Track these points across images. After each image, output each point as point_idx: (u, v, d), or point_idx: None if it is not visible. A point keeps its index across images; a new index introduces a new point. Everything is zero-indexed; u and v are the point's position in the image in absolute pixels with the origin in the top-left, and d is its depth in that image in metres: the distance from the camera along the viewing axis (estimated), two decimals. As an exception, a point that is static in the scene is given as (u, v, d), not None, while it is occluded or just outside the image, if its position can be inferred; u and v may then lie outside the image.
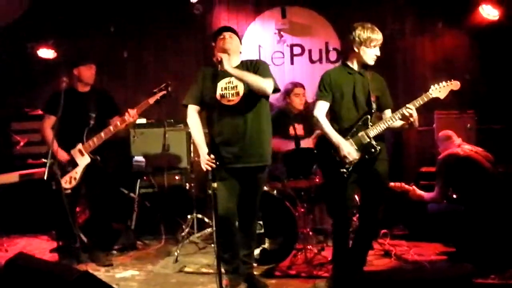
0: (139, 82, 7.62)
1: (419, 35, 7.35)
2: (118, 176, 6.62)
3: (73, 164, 5.34)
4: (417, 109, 4.23)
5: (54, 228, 5.79)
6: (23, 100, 7.59)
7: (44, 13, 7.43)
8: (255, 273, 4.72)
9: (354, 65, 4.43)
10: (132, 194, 6.54)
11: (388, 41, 4.42)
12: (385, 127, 4.31)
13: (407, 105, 4.23)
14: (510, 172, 5.83)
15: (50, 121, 5.41)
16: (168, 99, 5.28)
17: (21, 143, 7.11)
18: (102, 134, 5.31)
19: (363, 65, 4.42)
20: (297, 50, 7.69)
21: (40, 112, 6.14)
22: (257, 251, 5.01)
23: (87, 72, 5.51)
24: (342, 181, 4.30)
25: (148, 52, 7.84)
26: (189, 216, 6.12)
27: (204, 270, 5.24)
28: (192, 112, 4.45)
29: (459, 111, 6.53)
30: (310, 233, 5.48)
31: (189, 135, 6.41)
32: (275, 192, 5.39)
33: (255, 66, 4.43)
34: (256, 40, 7.69)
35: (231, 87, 4.34)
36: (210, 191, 4.04)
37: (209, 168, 4.09)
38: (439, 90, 4.33)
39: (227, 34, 4.40)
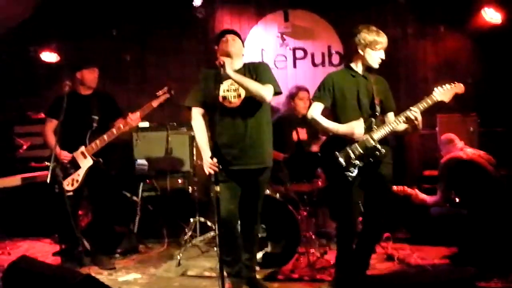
0: (141, 86, 7.61)
1: (421, 39, 7.35)
2: (121, 180, 6.63)
3: (75, 166, 5.35)
4: (420, 112, 4.23)
5: (56, 232, 5.79)
6: (26, 104, 7.62)
7: (47, 17, 7.44)
8: (257, 276, 4.71)
9: (358, 68, 4.42)
10: (134, 198, 6.55)
11: (390, 44, 4.40)
12: (389, 130, 4.29)
13: (412, 108, 4.23)
14: (513, 175, 5.82)
15: (52, 124, 5.43)
16: (171, 102, 5.29)
17: (24, 147, 7.12)
18: (105, 136, 5.32)
19: (367, 68, 4.41)
20: (299, 53, 7.68)
21: (43, 115, 6.15)
22: (259, 255, 5.01)
23: (90, 76, 5.52)
24: (347, 185, 4.28)
25: (151, 55, 7.85)
26: (191, 220, 6.11)
27: (206, 273, 5.23)
28: (197, 115, 4.46)
29: (462, 114, 6.51)
30: (313, 236, 5.46)
31: (192, 139, 6.41)
32: (277, 195, 5.38)
33: (256, 69, 4.43)
34: (258, 43, 7.69)
35: (233, 89, 4.34)
36: (212, 195, 4.03)
37: (212, 172, 4.08)
38: (444, 93, 4.31)
39: (230, 37, 4.40)
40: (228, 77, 4.25)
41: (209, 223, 6.16)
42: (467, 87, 4.44)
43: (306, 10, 7.59)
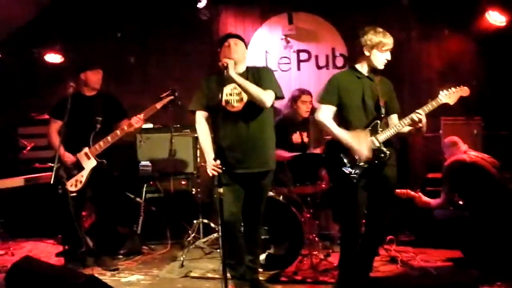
0: (144, 87, 7.60)
1: (425, 41, 7.34)
2: (124, 181, 6.63)
3: (79, 167, 5.37)
4: (425, 115, 4.23)
5: (60, 232, 5.79)
6: (30, 105, 7.63)
7: (51, 19, 7.45)
8: (260, 278, 4.71)
9: (363, 69, 4.40)
10: (138, 199, 6.56)
11: (394, 46, 4.40)
12: (394, 132, 4.29)
13: (417, 111, 4.22)
14: (517, 178, 5.81)
15: (56, 125, 5.45)
16: (175, 104, 5.29)
17: (28, 148, 7.14)
18: (109, 138, 5.34)
19: (372, 69, 4.39)
20: (303, 55, 7.68)
21: (46, 116, 6.17)
22: (262, 257, 4.99)
23: (94, 77, 5.54)
24: (352, 186, 4.26)
25: (154, 57, 7.86)
26: (195, 221, 6.13)
27: (209, 275, 5.23)
28: (201, 119, 4.46)
29: (466, 117, 6.51)
30: (316, 238, 5.46)
31: (195, 140, 6.41)
32: (281, 197, 5.37)
33: (259, 74, 4.44)
34: (262, 45, 7.70)
35: (236, 93, 4.35)
36: (216, 197, 4.04)
37: (215, 174, 4.08)
38: (449, 96, 4.33)
39: (232, 41, 4.40)
40: (231, 81, 4.25)
41: (212, 225, 6.16)
42: (471, 90, 4.44)
43: (310, 13, 7.59)
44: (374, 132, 4.28)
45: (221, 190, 3.99)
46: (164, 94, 5.28)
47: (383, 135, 4.28)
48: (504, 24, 6.65)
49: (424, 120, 4.20)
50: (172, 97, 5.26)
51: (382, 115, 4.34)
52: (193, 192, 6.63)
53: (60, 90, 5.87)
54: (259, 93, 4.23)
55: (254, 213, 4.52)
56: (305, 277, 4.98)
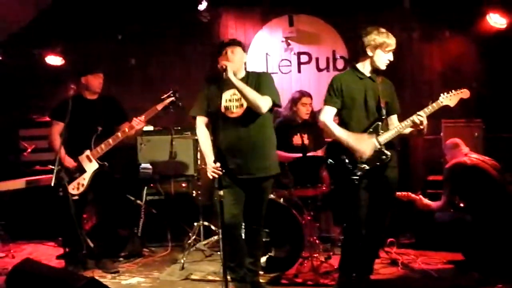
0: (145, 90, 7.60)
1: (426, 43, 7.34)
2: (125, 183, 6.63)
3: (80, 170, 5.36)
4: (426, 117, 4.24)
5: (60, 235, 5.79)
6: (31, 107, 7.63)
7: (51, 20, 7.46)
8: (261, 281, 4.71)
9: (365, 70, 4.40)
10: (139, 202, 6.54)
11: (395, 48, 4.41)
12: (396, 134, 4.30)
13: (418, 113, 4.23)
14: (518, 181, 5.80)
15: (58, 127, 5.44)
16: (176, 105, 5.29)
17: (29, 150, 7.15)
18: (110, 140, 5.33)
19: (374, 70, 4.39)
20: (304, 58, 7.68)
21: (47, 118, 6.17)
22: (263, 259, 4.98)
23: (95, 81, 5.54)
24: (354, 188, 4.26)
25: (155, 59, 7.87)
26: (195, 224, 6.11)
27: (210, 277, 5.23)
28: (201, 124, 4.48)
29: (467, 119, 6.50)
30: (317, 241, 5.45)
31: (196, 143, 6.40)
32: (281, 200, 5.38)
33: (259, 80, 4.43)
34: (263, 48, 7.70)
35: (235, 99, 4.36)
36: (216, 199, 4.04)
37: (216, 176, 4.09)
38: (450, 98, 4.34)
39: (229, 50, 4.39)
40: (231, 86, 4.26)
41: (213, 227, 6.16)
42: (472, 92, 4.44)
43: (311, 15, 7.59)
44: (375, 133, 4.29)
45: (221, 192, 4.00)
46: (165, 95, 5.28)
47: (384, 137, 4.29)
48: (504, 26, 6.64)
49: (425, 122, 4.21)
50: (173, 98, 5.25)
51: (383, 117, 4.34)
52: (194, 195, 6.60)
53: (61, 92, 5.90)
54: (255, 98, 4.22)
55: (255, 216, 4.53)
56: (305, 279, 4.99)
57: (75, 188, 5.33)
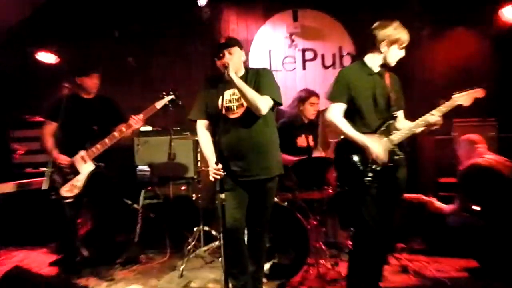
0: (145, 89, 7.60)
1: (437, 40, 7.30)
2: (122, 186, 6.59)
3: (74, 172, 5.31)
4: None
5: (53, 241, 5.76)
6: (23, 107, 7.58)
7: (46, 17, 7.44)
8: (265, 289, 4.68)
9: (374, 65, 4.36)
10: (136, 205, 6.52)
11: (406, 47, 4.37)
12: (409, 134, 4.27)
13: (432, 112, 4.22)
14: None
15: (51, 127, 5.40)
16: (176, 104, 5.25)
17: (20, 152, 7.11)
18: (107, 140, 5.30)
19: (382, 66, 4.36)
20: (309, 55, 7.67)
21: (40, 119, 6.13)
22: (267, 266, 4.95)
23: (90, 82, 5.55)
24: (364, 190, 4.22)
25: (154, 57, 7.87)
26: (195, 229, 6.09)
27: (210, 285, 5.21)
28: (201, 127, 4.47)
29: (480, 119, 6.49)
30: (323, 247, 5.44)
31: (195, 144, 6.38)
32: (285, 203, 5.34)
33: (258, 77, 4.39)
34: (266, 44, 7.69)
35: (235, 99, 4.32)
36: (217, 203, 4.00)
37: (218, 177, 4.04)
38: (464, 97, 4.32)
39: (226, 52, 4.33)
40: (230, 86, 4.23)
41: (213, 233, 6.13)
42: (485, 90, 4.42)
43: (316, 10, 7.59)
44: (387, 132, 4.26)
45: (223, 195, 3.97)
46: (164, 93, 5.24)
47: (397, 136, 4.26)
48: (519, 21, 6.62)
49: (439, 122, 4.23)
50: (172, 96, 5.21)
51: (395, 115, 4.29)
52: (194, 198, 6.57)
53: (55, 92, 5.84)
54: (255, 99, 4.17)
55: (258, 220, 4.47)
56: (311, 287, 4.97)
57: (69, 190, 5.26)
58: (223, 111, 4.24)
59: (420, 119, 4.26)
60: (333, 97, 4.34)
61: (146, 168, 6.65)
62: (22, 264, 5.40)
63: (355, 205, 4.34)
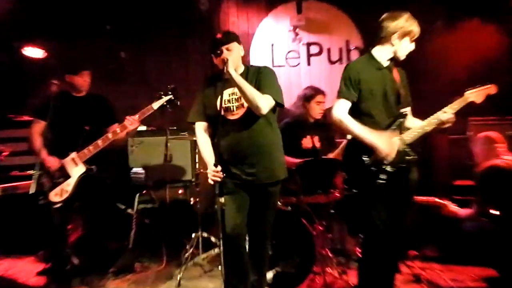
0: (141, 88, 7.58)
1: (452, 33, 7.28)
2: (115, 190, 6.57)
3: (64, 175, 5.29)
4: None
5: (41, 248, 5.74)
6: (8, 105, 7.56)
7: (35, 10, 7.43)
8: (267, 299, 4.66)
9: (383, 59, 4.34)
10: (130, 210, 6.53)
11: (417, 39, 4.34)
12: (421, 133, 4.26)
13: (444, 110, 4.23)
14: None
15: (40, 126, 5.39)
16: (174, 104, 5.22)
17: (5, 153, 7.08)
18: (99, 141, 5.27)
19: (391, 59, 4.35)
20: (314, 49, 7.69)
21: (26, 118, 6.12)
22: (269, 275, 4.93)
23: (80, 80, 5.54)
24: (377, 193, 4.20)
25: (151, 55, 7.85)
26: (193, 235, 6.09)
27: (209, 295, 5.19)
28: (200, 130, 4.46)
29: (497, 117, 6.48)
30: (330, 254, 5.41)
31: (194, 144, 6.38)
32: (289, 208, 5.33)
33: (259, 76, 4.37)
34: (268, 38, 7.70)
35: (234, 98, 4.30)
36: (216, 207, 3.98)
37: (217, 180, 4.02)
38: (476, 94, 4.32)
39: (224, 49, 4.30)
40: (229, 85, 4.22)
41: (213, 239, 6.14)
42: (503, 86, 4.42)
43: (322, 1, 7.60)
44: (398, 131, 4.25)
45: (222, 199, 3.95)
46: (162, 93, 5.22)
47: (410, 136, 4.26)
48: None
49: (452, 119, 4.23)
50: (171, 96, 5.19)
51: (405, 112, 4.28)
52: (192, 202, 6.56)
53: (44, 89, 5.82)
54: (255, 97, 4.15)
55: (261, 225, 4.45)
56: (317, 297, 4.95)
57: (58, 194, 5.24)
58: (222, 112, 4.22)
59: (432, 116, 4.26)
60: (340, 93, 4.31)
61: (141, 170, 6.67)
62: (7, 274, 5.38)
63: (365, 209, 4.32)
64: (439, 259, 5.90)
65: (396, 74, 4.36)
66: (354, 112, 4.26)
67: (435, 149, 7.14)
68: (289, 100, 6.08)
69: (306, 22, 7.54)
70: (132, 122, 5.21)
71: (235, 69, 4.23)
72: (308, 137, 5.87)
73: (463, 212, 5.35)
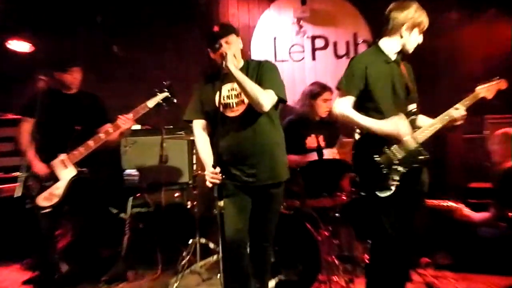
0: (133, 86, 7.56)
1: (466, 26, 7.30)
2: (107, 193, 6.59)
3: (53, 178, 5.29)
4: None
5: (28, 256, 5.76)
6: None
7: (25, 6, 7.44)
8: (269, 309, 4.67)
9: (391, 52, 4.34)
10: (123, 215, 6.52)
11: (429, 31, 4.36)
12: (434, 132, 4.27)
13: (456, 106, 4.26)
14: None
15: (29, 125, 5.38)
16: (169, 102, 5.24)
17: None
18: (91, 142, 5.27)
19: (399, 53, 4.35)
20: (319, 43, 7.71)
21: (11, 116, 6.13)
22: (272, 283, 4.95)
23: (69, 78, 5.53)
24: (389, 196, 4.19)
25: (145, 49, 7.85)
26: (190, 241, 6.08)
27: (208, 305, 5.21)
28: (198, 128, 4.45)
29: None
30: (336, 261, 5.41)
31: (191, 144, 6.39)
32: (292, 212, 5.34)
33: (260, 70, 4.37)
34: (271, 31, 7.71)
35: (234, 94, 4.31)
36: (216, 211, 4.00)
37: (216, 182, 4.03)
38: (487, 89, 4.36)
39: (223, 42, 4.32)
40: (228, 80, 4.23)
41: (211, 245, 6.12)
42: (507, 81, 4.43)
43: (327, -8, 7.61)
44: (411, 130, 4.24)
45: (222, 203, 3.95)
46: (157, 90, 5.23)
47: (422, 134, 4.25)
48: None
49: (464, 116, 4.26)
50: (167, 93, 5.20)
51: (415, 109, 4.31)
52: (189, 206, 6.57)
53: (30, 86, 5.84)
54: (257, 93, 4.15)
55: (263, 230, 4.46)
56: (323, 307, 4.97)
57: (47, 199, 5.24)
58: (221, 109, 4.23)
59: (444, 114, 4.28)
60: (342, 87, 4.31)
61: (134, 172, 6.67)
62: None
63: (373, 213, 4.32)
64: (452, 267, 5.86)
65: (403, 68, 4.37)
66: (361, 108, 4.25)
67: (449, 149, 7.15)
68: (293, 97, 6.10)
69: (310, 13, 7.54)
70: (126, 121, 5.22)
71: (236, 62, 4.26)
72: (313, 136, 5.87)
73: (478, 216, 5.36)
